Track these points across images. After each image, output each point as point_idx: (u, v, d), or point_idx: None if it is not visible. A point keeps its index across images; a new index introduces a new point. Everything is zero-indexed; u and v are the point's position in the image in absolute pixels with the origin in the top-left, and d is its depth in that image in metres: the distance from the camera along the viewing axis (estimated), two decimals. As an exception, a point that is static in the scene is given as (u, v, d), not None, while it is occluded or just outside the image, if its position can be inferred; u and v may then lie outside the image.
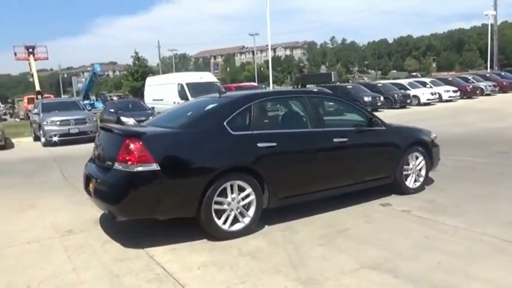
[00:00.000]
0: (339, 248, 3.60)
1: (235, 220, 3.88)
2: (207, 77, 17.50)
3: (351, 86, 23.69)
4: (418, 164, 5.32)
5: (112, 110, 16.22)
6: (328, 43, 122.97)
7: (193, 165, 3.71)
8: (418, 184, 5.35)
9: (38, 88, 27.83)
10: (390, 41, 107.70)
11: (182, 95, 15.87)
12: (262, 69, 68.34)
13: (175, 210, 3.69)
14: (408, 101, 21.33)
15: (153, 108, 17.49)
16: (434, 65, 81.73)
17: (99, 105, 30.86)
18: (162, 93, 17.40)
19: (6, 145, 13.12)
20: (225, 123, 3.88)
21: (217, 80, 17.47)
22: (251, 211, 3.94)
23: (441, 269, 3.12)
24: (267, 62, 52.56)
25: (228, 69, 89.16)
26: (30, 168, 8.97)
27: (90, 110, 19.92)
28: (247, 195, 3.90)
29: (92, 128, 14.01)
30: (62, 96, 58.48)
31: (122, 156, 3.42)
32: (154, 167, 3.43)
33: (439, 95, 22.16)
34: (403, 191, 5.19)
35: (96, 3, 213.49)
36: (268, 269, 3.22)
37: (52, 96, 33.90)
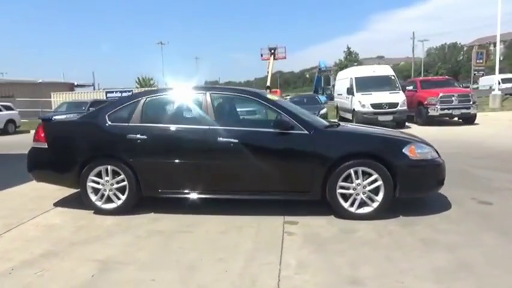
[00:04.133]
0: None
1: (109, 200, 4.50)
2: (382, 70, 16.17)
3: None
4: (370, 184, 4.09)
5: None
6: None
7: (71, 147, 4.54)
8: (369, 210, 4.13)
9: (268, 84, 32.71)
10: None
11: (348, 90, 15.55)
12: None
13: (60, 176, 4.63)
14: None
15: (325, 102, 17.73)
16: None
17: (323, 99, 33.05)
18: (342, 88, 17.48)
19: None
20: (106, 115, 4.52)
21: (393, 74, 15.87)
22: (124, 195, 4.44)
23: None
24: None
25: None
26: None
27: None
28: (123, 180, 4.43)
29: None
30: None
31: (34, 135, 4.70)
32: (43, 145, 4.55)
33: None
34: (342, 214, 4.16)
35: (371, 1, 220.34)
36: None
37: (278, 91, 38.57)
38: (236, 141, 4.19)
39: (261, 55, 35.20)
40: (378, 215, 4.13)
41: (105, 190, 4.47)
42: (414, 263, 3.13)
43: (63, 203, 5.00)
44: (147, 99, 4.57)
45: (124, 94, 31.09)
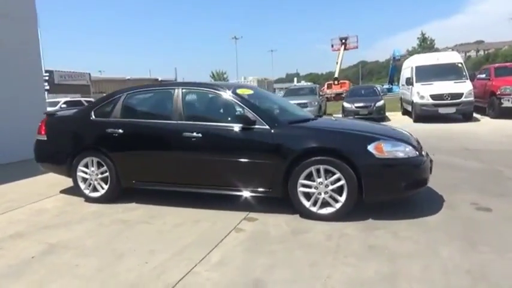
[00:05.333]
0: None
1: (95, 189, 4.86)
2: (447, 57, 14.53)
3: None
4: (333, 183, 3.85)
5: (348, 97, 17.05)
6: None
7: (65, 140, 4.98)
8: (331, 210, 3.90)
9: (336, 75, 31.64)
10: None
11: (408, 80, 14.43)
12: None
13: (58, 167, 5.10)
14: None
15: (383, 93, 16.51)
16: None
17: (397, 89, 31.11)
18: (404, 78, 16.31)
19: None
20: (92, 111, 4.86)
21: (460, 61, 14.24)
22: (107, 185, 4.78)
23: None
24: None
25: None
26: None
27: (384, 94, 20.47)
28: (105, 171, 4.76)
29: (313, 112, 15.69)
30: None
31: (38, 129, 5.24)
32: (44, 137, 5.06)
33: None
34: (304, 213, 3.99)
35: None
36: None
37: (347, 82, 36.97)
38: (200, 136, 4.24)
39: (332, 46, 34.20)
40: (341, 216, 3.86)
41: (91, 180, 4.85)
42: (337, 270, 2.89)
43: (69, 190, 5.52)
44: (127, 95, 4.83)
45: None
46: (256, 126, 4.07)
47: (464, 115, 12.92)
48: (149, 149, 4.52)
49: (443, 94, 12.86)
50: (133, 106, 4.83)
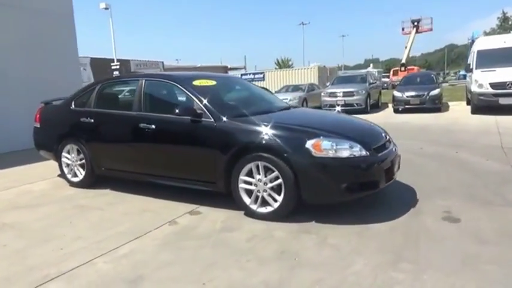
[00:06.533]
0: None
1: (75, 175, 5.18)
2: (517, 39, 12.67)
3: None
4: (272, 181, 3.64)
5: (401, 85, 15.86)
6: None
7: (50, 127, 5.32)
8: (270, 210, 3.70)
9: (403, 61, 29.26)
10: None
11: (467, 67, 12.94)
12: None
13: (49, 153, 5.46)
14: None
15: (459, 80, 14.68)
16: None
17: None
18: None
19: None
20: (73, 100, 5.13)
21: (531, 43, 12.28)
22: (84, 171, 5.05)
23: None
24: None
25: None
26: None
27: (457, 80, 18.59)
28: (82, 158, 5.03)
29: (358, 101, 14.90)
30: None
31: (34, 116, 5.65)
32: (38, 125, 5.48)
33: None
34: (246, 210, 3.85)
35: None
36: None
37: (416, 68, 33.84)
38: (153, 127, 4.27)
39: (402, 29, 31.84)
40: (280, 216, 3.64)
41: (72, 165, 5.17)
42: (225, 274, 2.72)
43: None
44: (101, 85, 5.02)
45: (256, 76, 32.88)
46: (203, 119, 3.97)
47: (531, 106, 11.28)
48: (114, 139, 4.68)
49: (505, 82, 11.32)
50: (104, 96, 5.00)
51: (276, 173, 3.58)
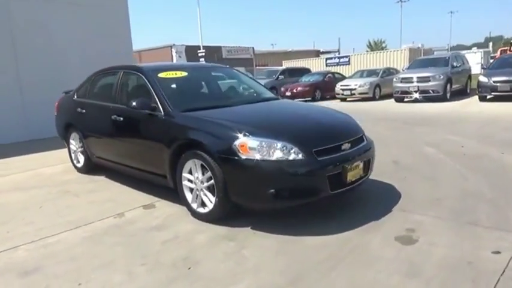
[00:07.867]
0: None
1: (78, 161, 5.55)
2: None
3: None
4: (208, 181, 3.44)
5: (490, 68, 13.76)
6: None
7: (62, 116, 5.70)
8: (206, 210, 3.52)
9: (512, 40, 24.72)
10: None
11: None
12: None
13: (62, 135, 5.82)
14: None
15: None
16: None
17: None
18: None
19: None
20: (76, 91, 5.45)
21: None
22: (83, 157, 5.40)
23: None
24: None
25: None
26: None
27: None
28: (82, 146, 5.37)
29: (435, 87, 13.32)
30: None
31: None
32: (56, 114, 5.97)
33: None
34: (189, 209, 3.72)
35: None
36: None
37: None
38: (121, 119, 4.33)
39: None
40: (215, 218, 3.42)
41: (76, 152, 5.56)
42: (97, 279, 2.66)
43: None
44: (94, 77, 5.24)
45: (341, 60, 31.43)
46: (156, 113, 3.89)
47: None
48: (99, 129, 4.86)
49: None
50: (95, 87, 5.22)
51: (210, 172, 3.35)
